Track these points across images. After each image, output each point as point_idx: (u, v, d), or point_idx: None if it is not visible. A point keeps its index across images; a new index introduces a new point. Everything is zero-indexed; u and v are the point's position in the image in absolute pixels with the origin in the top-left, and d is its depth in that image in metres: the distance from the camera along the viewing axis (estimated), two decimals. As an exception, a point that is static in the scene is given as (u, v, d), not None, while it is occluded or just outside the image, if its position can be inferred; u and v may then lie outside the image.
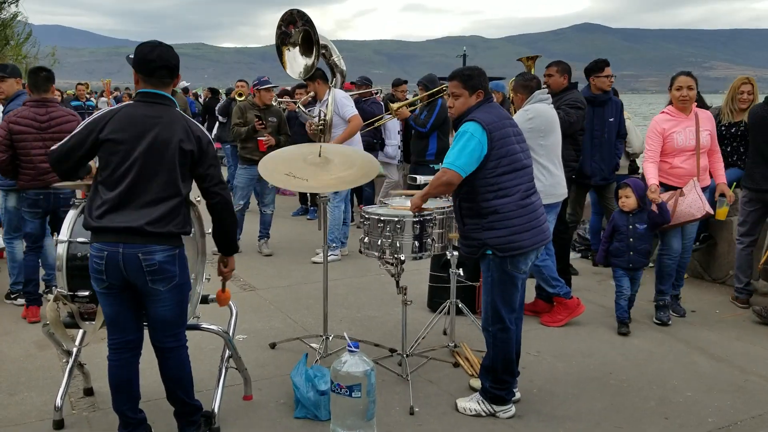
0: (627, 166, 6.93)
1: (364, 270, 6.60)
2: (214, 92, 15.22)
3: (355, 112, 6.90)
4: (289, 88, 11.18)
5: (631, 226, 5.01)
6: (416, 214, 3.84)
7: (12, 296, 5.54)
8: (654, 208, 4.92)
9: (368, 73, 8.32)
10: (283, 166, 4.07)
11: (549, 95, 4.86)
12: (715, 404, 3.82)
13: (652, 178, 5.00)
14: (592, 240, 6.89)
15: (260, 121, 7.12)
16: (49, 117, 4.98)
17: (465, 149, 3.38)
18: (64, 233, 3.23)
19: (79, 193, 5.25)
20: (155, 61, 3.04)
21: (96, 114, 3.12)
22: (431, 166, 7.71)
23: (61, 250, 3.20)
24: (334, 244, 6.98)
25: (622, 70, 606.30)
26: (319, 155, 4.14)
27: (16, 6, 27.83)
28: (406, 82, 8.66)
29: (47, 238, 5.38)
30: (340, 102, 6.78)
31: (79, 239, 3.22)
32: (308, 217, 9.53)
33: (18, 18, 28.56)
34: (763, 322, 5.10)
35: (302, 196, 9.86)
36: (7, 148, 4.88)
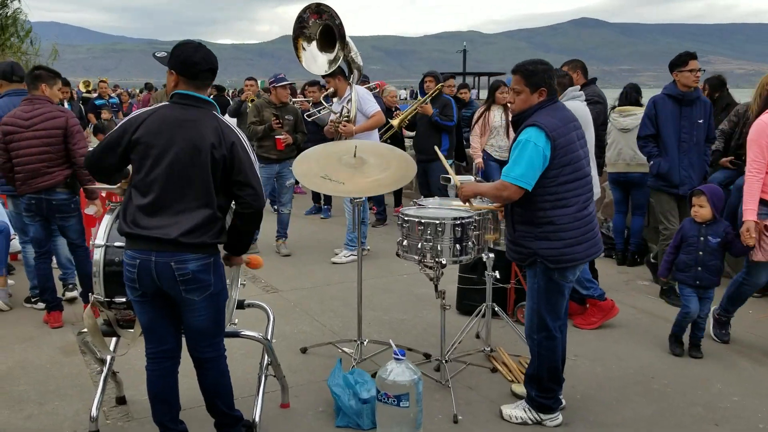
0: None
1: (386, 270, 6.50)
2: (219, 90, 15.04)
3: (378, 108, 6.79)
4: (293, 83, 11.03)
5: (702, 238, 4.45)
6: (460, 216, 3.73)
7: (32, 300, 5.43)
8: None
9: (366, 68, 8.17)
10: (318, 168, 3.97)
11: (582, 92, 4.75)
12: (765, 409, 3.73)
13: (750, 210, 4.29)
14: (616, 239, 6.78)
15: (277, 120, 7.00)
16: (33, 114, 4.74)
17: (526, 159, 3.19)
18: (100, 237, 3.11)
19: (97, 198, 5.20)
20: (200, 64, 2.92)
21: (132, 114, 3.01)
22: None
23: (98, 255, 3.09)
24: (352, 244, 6.88)
25: (620, 64, 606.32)
26: (354, 155, 4.03)
27: (19, 2, 27.64)
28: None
29: (58, 239, 5.26)
30: (363, 98, 6.66)
31: (116, 243, 3.11)
32: (321, 216, 9.42)
33: (19, 14, 28.34)
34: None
35: (315, 195, 9.75)
36: (3, 151, 4.73)
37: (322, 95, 7.74)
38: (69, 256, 5.31)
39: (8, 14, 23.85)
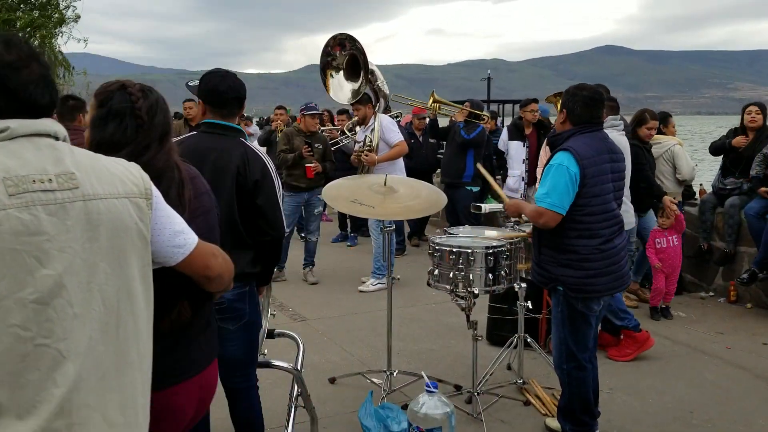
0: (680, 193, 6.70)
1: (413, 299, 6.44)
2: (241, 118, 15.18)
3: (401, 138, 6.80)
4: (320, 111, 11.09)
5: None
6: (489, 247, 3.68)
7: None
8: None
9: (391, 97, 8.20)
10: (348, 193, 3.96)
11: (621, 122, 4.70)
12: (811, 447, 3.59)
13: None
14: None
15: (308, 148, 7.03)
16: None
17: (562, 185, 3.16)
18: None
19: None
20: (227, 93, 2.92)
21: None
22: (467, 188, 7.62)
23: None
24: (379, 273, 6.84)
25: (646, 92, 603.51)
26: (385, 184, 4.01)
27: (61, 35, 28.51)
28: (536, 101, 7.84)
29: None
30: (386, 127, 6.68)
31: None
32: (348, 243, 9.40)
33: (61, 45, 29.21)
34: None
35: (341, 223, 9.75)
36: None
37: (350, 122, 7.80)
38: None
39: (56, 49, 24.61)
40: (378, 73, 6.92)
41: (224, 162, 2.82)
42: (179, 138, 2.98)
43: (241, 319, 2.87)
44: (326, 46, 6.48)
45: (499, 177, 8.14)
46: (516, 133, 7.70)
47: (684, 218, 5.96)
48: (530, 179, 7.40)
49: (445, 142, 8.50)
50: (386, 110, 8.81)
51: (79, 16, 26.63)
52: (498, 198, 4.10)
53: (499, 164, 8.22)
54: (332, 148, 7.87)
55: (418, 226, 9.48)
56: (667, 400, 4.18)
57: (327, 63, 6.52)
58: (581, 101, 3.30)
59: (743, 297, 6.31)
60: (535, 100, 7.76)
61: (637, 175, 5.54)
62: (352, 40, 6.34)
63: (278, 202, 2.92)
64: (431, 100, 8.00)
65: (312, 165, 6.97)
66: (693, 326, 5.58)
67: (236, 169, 2.81)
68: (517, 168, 7.59)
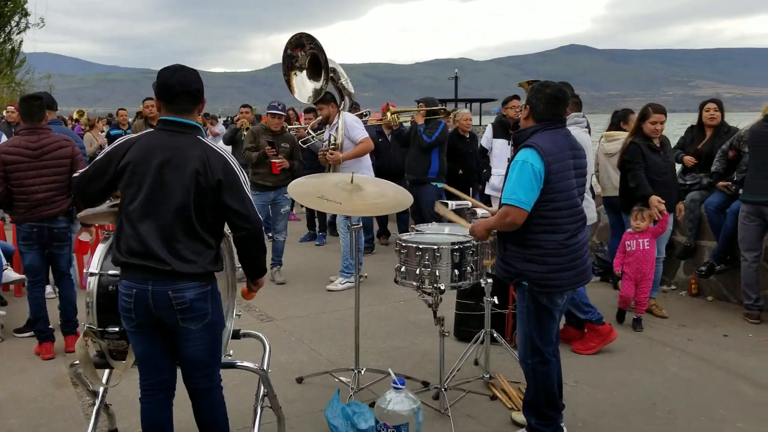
0: None
1: (381, 297, 6.44)
2: (207, 117, 15.02)
3: (366, 135, 6.78)
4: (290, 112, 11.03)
5: None
6: (455, 243, 3.70)
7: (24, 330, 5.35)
8: None
9: (358, 96, 8.20)
10: (314, 190, 3.95)
11: (584, 119, 4.75)
12: (769, 435, 3.68)
13: None
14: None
15: (271, 147, 6.98)
16: (41, 144, 4.71)
17: (526, 181, 3.18)
18: (94, 266, 3.05)
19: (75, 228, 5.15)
20: (175, 87, 2.85)
21: (118, 141, 2.97)
22: (433, 184, 7.66)
23: (92, 283, 3.03)
24: (348, 272, 6.82)
25: (609, 90, 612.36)
26: (351, 182, 4.00)
27: (25, 33, 27.91)
28: (517, 97, 7.76)
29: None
30: (350, 125, 6.66)
31: (110, 272, 3.05)
32: (316, 242, 9.37)
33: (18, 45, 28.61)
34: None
35: (310, 222, 9.70)
36: (3, 180, 4.65)
37: (315, 121, 7.77)
38: None
39: (13, 48, 24.04)
40: (341, 71, 6.90)
41: (180, 161, 2.77)
42: (138, 134, 2.94)
43: (204, 319, 2.84)
44: (286, 48, 6.44)
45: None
46: (500, 130, 7.66)
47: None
48: None
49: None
50: (353, 109, 8.80)
51: (42, 19, 26.10)
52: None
53: (483, 162, 8.23)
54: (305, 147, 7.84)
55: (386, 225, 9.50)
56: (630, 392, 4.24)
57: (290, 64, 6.49)
58: (545, 99, 3.34)
59: (704, 290, 6.45)
60: (516, 97, 7.74)
61: (625, 174, 5.56)
62: (309, 38, 6.31)
63: (247, 196, 2.89)
64: (388, 114, 8.05)
65: (277, 161, 6.93)
66: (655, 319, 5.67)
67: (195, 169, 2.76)
68: (501, 166, 7.40)
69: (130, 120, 12.97)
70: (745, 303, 5.70)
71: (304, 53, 6.41)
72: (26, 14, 27.30)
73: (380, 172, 7.85)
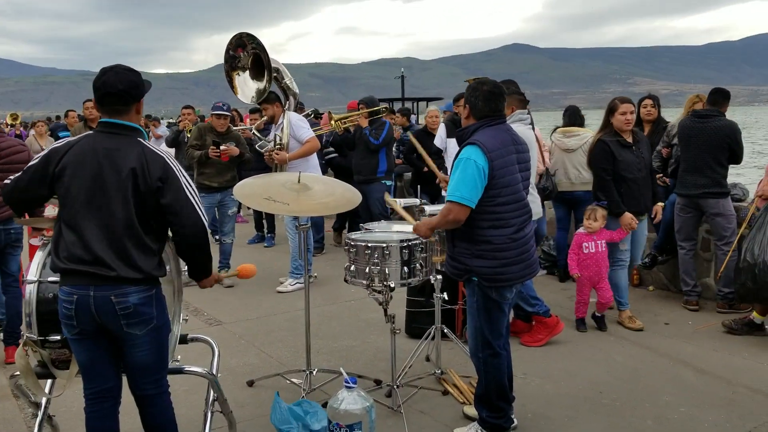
0: None
1: (332, 297, 6.42)
2: (149, 119, 14.72)
3: (312, 134, 6.75)
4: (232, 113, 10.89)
5: None
6: (407, 238, 3.71)
7: None
8: None
9: (305, 96, 8.17)
10: (262, 191, 3.90)
11: (528, 116, 4.83)
12: (710, 419, 3.80)
13: None
14: (558, 256, 6.89)
15: (215, 148, 6.88)
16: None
17: (469, 178, 3.21)
18: (33, 273, 2.95)
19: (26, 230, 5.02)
20: (100, 89, 2.79)
21: (53, 145, 2.88)
22: (383, 182, 7.69)
23: (31, 291, 2.92)
24: (297, 272, 6.78)
25: (552, 88, 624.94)
26: (298, 181, 3.97)
27: None
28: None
29: None
30: (295, 125, 6.62)
31: (50, 279, 2.94)
32: (265, 244, 9.27)
33: None
34: (735, 333, 5.16)
35: (258, 224, 9.59)
36: None
37: (261, 121, 7.69)
38: None
39: None
40: (284, 70, 6.84)
41: (119, 163, 2.70)
42: (76, 137, 2.85)
43: (149, 323, 2.78)
44: (227, 48, 6.35)
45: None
46: (454, 129, 7.70)
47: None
48: None
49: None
50: (299, 109, 8.74)
51: None
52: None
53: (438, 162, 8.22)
54: (252, 146, 7.75)
55: (341, 222, 9.39)
56: (577, 382, 4.34)
57: (232, 65, 6.40)
58: (482, 96, 3.38)
59: (645, 280, 6.65)
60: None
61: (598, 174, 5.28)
62: (251, 38, 6.23)
63: (187, 198, 2.81)
64: (332, 121, 8.04)
65: (223, 147, 6.83)
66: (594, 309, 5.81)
67: (132, 170, 2.70)
68: None
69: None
70: (684, 290, 5.91)
71: (246, 53, 6.33)
72: None
73: (343, 170, 8.30)
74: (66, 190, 2.73)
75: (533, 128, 5.08)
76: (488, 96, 3.37)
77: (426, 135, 8.10)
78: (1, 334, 5.20)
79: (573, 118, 6.83)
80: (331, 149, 8.89)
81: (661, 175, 6.29)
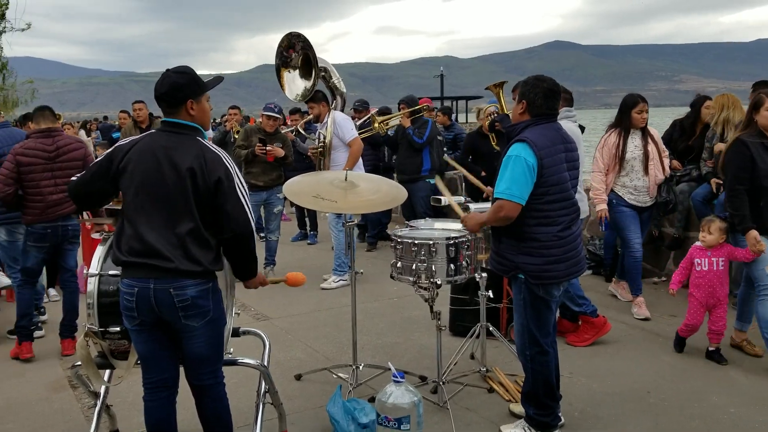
0: None
1: (375, 295, 6.48)
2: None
3: (356, 134, 6.81)
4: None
5: None
6: (450, 238, 3.73)
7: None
8: None
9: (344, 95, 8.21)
10: (310, 189, 3.98)
11: (575, 113, 4.80)
12: (760, 419, 3.74)
13: None
14: (605, 255, 6.82)
15: (261, 146, 7.00)
16: (57, 146, 4.86)
17: (517, 175, 3.21)
18: (94, 267, 3.07)
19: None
20: (154, 92, 2.94)
21: (118, 143, 3.00)
22: (427, 180, 7.71)
23: (92, 284, 3.04)
24: (341, 270, 6.85)
25: (594, 86, 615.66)
26: (345, 179, 4.03)
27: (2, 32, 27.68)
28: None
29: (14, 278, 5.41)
30: (340, 124, 6.69)
31: (111, 272, 3.06)
32: (308, 241, 9.39)
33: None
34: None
35: (300, 222, 9.72)
36: (15, 181, 4.73)
37: (303, 121, 7.80)
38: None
39: None
40: (333, 70, 6.93)
41: (178, 160, 2.80)
42: (139, 136, 2.98)
43: (206, 315, 2.87)
44: (279, 48, 6.47)
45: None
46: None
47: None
48: None
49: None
50: (364, 111, 8.81)
51: (29, 24, 25.89)
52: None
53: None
54: (294, 148, 7.89)
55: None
56: (624, 381, 4.31)
57: (282, 62, 6.51)
58: (542, 93, 3.36)
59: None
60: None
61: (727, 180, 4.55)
62: (300, 38, 6.35)
63: (240, 199, 2.89)
64: (375, 123, 8.08)
65: (269, 147, 6.94)
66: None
67: (191, 169, 2.79)
68: None
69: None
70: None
71: (296, 53, 6.45)
72: (2, 18, 27.08)
73: (374, 169, 8.08)
74: (128, 186, 2.84)
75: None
76: (548, 94, 3.37)
77: (480, 138, 7.44)
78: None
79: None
80: None
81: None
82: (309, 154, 6.85)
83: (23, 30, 26.89)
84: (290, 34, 6.55)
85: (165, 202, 2.80)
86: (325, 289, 6.77)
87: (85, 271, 3.11)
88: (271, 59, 6.64)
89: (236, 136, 8.10)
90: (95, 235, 4.89)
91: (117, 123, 12.61)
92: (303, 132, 8.18)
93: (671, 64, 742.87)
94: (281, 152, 7.05)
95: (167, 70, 2.98)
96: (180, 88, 2.92)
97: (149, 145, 2.87)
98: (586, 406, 3.96)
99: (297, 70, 6.54)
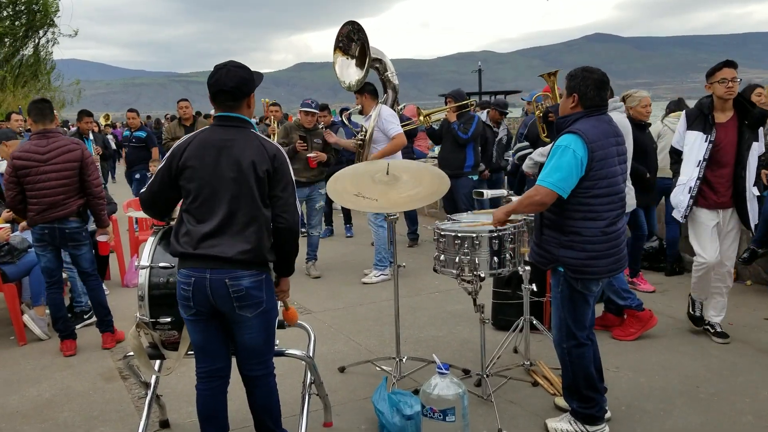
0: None
1: (416, 289, 6.49)
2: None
3: (400, 130, 6.79)
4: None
5: None
6: (496, 228, 3.70)
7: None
8: None
9: (381, 93, 8.21)
10: (352, 187, 3.99)
11: (622, 103, 4.72)
12: (816, 416, 3.64)
13: None
14: (668, 251, 6.70)
15: (302, 142, 7.06)
16: (50, 148, 4.79)
17: (565, 166, 3.17)
18: (145, 259, 3.15)
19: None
20: (213, 86, 2.97)
21: (176, 143, 3.07)
22: (469, 177, 7.67)
23: (143, 276, 3.12)
24: (381, 264, 6.88)
25: (636, 78, 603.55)
26: (387, 173, 4.05)
27: (55, 43, 28.58)
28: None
29: (70, 270, 5.55)
30: (384, 118, 6.68)
31: (161, 264, 3.13)
32: (347, 234, 9.45)
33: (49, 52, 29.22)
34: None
35: (327, 217, 9.68)
36: (15, 185, 4.75)
37: (348, 112, 7.82)
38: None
39: (38, 57, 24.64)
40: (388, 63, 6.94)
41: (237, 153, 2.88)
42: (194, 133, 3.04)
43: (259, 306, 2.92)
44: (339, 34, 6.60)
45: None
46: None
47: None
48: None
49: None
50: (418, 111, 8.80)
51: (76, 32, 26.64)
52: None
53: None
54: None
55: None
56: (672, 375, 4.23)
57: (342, 48, 6.63)
58: (593, 84, 3.30)
59: (743, 274, 6.38)
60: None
61: None
62: (357, 28, 6.44)
63: (292, 192, 2.98)
64: (421, 117, 8.09)
65: (312, 155, 7.01)
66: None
67: (252, 160, 2.86)
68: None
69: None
70: None
71: (356, 44, 6.54)
72: (53, 25, 27.93)
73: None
74: (188, 181, 2.91)
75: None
76: (599, 85, 3.30)
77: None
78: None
79: (680, 104, 6.85)
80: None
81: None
82: (352, 145, 6.86)
83: (71, 36, 27.68)
84: (351, 22, 6.62)
85: (225, 195, 2.86)
86: (366, 283, 6.81)
87: (135, 263, 3.18)
88: (308, 58, 6.75)
89: (277, 131, 8.19)
90: (100, 238, 5.12)
91: (125, 122, 12.75)
92: (348, 122, 8.15)
93: (715, 55, 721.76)
94: (324, 156, 7.10)
95: (222, 65, 3.01)
96: (246, 82, 2.99)
97: (208, 140, 2.93)
98: (633, 400, 3.91)
99: (354, 60, 6.62)
